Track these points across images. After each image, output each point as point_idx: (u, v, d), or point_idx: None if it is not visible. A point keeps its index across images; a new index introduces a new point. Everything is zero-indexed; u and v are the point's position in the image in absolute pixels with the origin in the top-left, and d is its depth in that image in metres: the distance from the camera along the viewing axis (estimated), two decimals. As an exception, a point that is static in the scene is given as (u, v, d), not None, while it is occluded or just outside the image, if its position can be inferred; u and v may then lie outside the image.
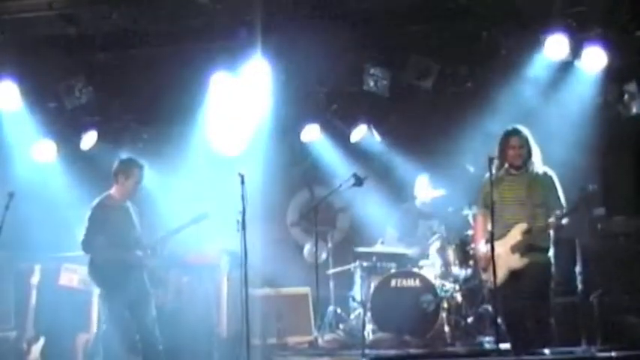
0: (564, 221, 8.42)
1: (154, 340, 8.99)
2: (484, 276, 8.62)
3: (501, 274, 8.37)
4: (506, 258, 8.43)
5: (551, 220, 8.39)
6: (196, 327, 10.37)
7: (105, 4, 10.35)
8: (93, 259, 9.03)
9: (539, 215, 8.46)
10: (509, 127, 8.70)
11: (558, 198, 8.49)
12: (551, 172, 8.61)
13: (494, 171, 8.55)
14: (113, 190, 9.18)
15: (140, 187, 9.23)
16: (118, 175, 9.16)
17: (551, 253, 8.53)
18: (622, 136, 11.26)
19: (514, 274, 8.44)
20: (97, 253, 8.97)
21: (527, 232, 8.40)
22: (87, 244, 8.97)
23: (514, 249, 8.42)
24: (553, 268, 8.60)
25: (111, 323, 9.02)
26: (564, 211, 8.40)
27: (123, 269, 8.92)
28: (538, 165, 8.59)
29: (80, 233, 8.98)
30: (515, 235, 8.44)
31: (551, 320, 8.51)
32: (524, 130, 8.64)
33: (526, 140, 8.58)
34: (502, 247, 8.43)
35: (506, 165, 8.59)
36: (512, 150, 8.55)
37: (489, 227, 8.44)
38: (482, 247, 8.70)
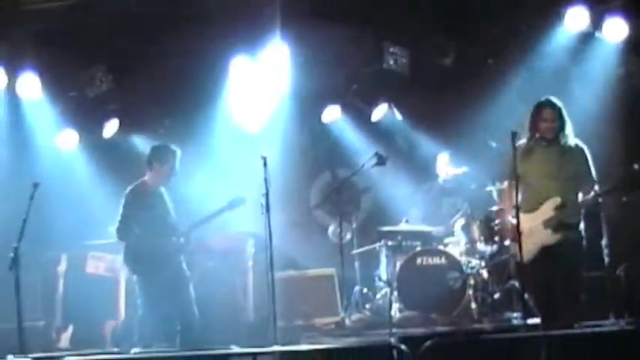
0: (599, 199, 8.31)
1: (193, 323, 9.01)
2: (514, 249, 8.42)
3: (533, 248, 8.24)
4: (538, 233, 8.26)
5: (589, 196, 8.20)
6: (223, 311, 10.40)
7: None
8: (128, 246, 9.02)
9: (569, 189, 8.26)
10: (542, 99, 8.44)
11: (590, 172, 8.29)
12: (583, 145, 8.37)
13: (523, 141, 8.37)
14: (147, 177, 9.16)
15: (174, 173, 9.20)
16: (153, 161, 9.13)
17: (582, 227, 8.36)
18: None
19: (546, 249, 8.26)
20: (132, 240, 8.96)
21: (560, 207, 8.21)
22: (122, 232, 8.97)
23: (546, 224, 8.24)
24: (585, 243, 8.46)
25: (148, 309, 9.01)
26: (596, 187, 8.21)
27: (159, 256, 8.92)
28: (570, 137, 8.35)
29: (115, 220, 9.00)
30: (548, 209, 8.25)
31: (582, 296, 8.40)
32: (558, 103, 8.38)
33: (559, 113, 8.33)
34: (533, 221, 8.26)
35: (537, 136, 8.38)
36: (545, 123, 8.32)
37: (519, 199, 8.28)
38: (513, 220, 8.38)
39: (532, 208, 8.31)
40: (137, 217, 8.93)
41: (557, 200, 8.21)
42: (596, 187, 8.27)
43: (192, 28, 10.89)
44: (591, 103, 10.55)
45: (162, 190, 9.20)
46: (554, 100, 8.42)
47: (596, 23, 10.48)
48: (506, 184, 8.80)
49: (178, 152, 9.19)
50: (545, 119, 8.33)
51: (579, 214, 8.35)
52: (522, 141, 8.42)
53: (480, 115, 11.20)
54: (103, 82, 11.21)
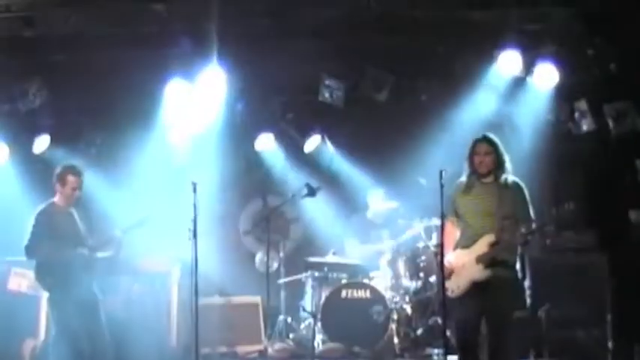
0: (530, 237, 8.26)
1: (105, 346, 8.96)
2: (447, 284, 8.25)
3: (464, 284, 8.20)
4: (470, 268, 8.18)
5: (521, 233, 8.15)
6: (146, 335, 10.29)
7: (62, 7, 10.29)
8: (39, 262, 9.01)
9: (506, 227, 8.16)
10: (479, 135, 8.42)
11: (528, 211, 8.24)
12: (521, 184, 8.34)
13: (463, 178, 8.38)
14: (56, 198, 9.19)
15: (77, 193, 9.17)
16: (56, 183, 9.17)
17: (517, 267, 8.29)
18: (572, 153, 11.40)
19: (476, 286, 8.18)
20: (42, 256, 8.94)
21: (494, 245, 8.13)
22: (31, 249, 8.93)
23: (479, 260, 8.15)
24: (518, 283, 8.50)
25: (59, 328, 8.96)
26: (533, 226, 8.22)
27: (69, 270, 8.88)
28: (509, 175, 8.31)
29: (24, 239, 8.95)
30: (482, 246, 8.16)
31: (507, 337, 8.20)
32: (493, 138, 8.34)
33: (493, 148, 8.28)
34: (467, 256, 8.20)
35: (476, 173, 8.32)
36: (478, 156, 8.27)
37: (458, 235, 8.34)
38: (448, 256, 8.37)
39: (468, 244, 8.27)
40: (47, 236, 8.93)
41: (491, 238, 8.15)
42: (533, 226, 8.24)
43: (130, 49, 10.84)
44: (521, 146, 10.70)
45: (72, 210, 9.22)
46: (491, 135, 8.41)
47: (528, 68, 10.68)
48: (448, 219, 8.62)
49: (81, 172, 9.19)
50: (478, 153, 8.29)
51: (515, 253, 8.27)
52: (462, 178, 8.42)
53: (412, 151, 11.32)
54: (37, 97, 11.09)
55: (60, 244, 8.94)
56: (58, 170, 9.23)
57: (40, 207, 9.14)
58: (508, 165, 8.34)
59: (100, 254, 9.13)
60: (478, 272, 8.19)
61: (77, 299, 8.87)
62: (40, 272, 9.04)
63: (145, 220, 9.17)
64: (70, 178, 9.12)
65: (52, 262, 8.90)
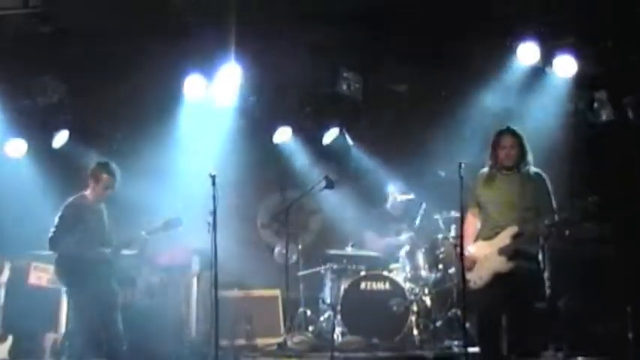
0: (553, 229, 8.26)
1: (119, 339, 8.99)
2: (468, 276, 8.25)
3: (486, 275, 8.18)
4: (493, 260, 8.16)
5: (544, 225, 8.13)
6: (165, 327, 10.34)
7: (80, 3, 10.32)
8: (60, 256, 9.04)
9: (528, 219, 8.16)
10: (503, 127, 8.41)
11: (550, 202, 8.22)
12: (544, 175, 8.31)
13: (485, 170, 8.36)
14: (87, 192, 9.22)
15: (110, 192, 9.20)
16: (90, 178, 9.20)
17: (539, 258, 8.28)
18: (591, 143, 11.37)
19: (498, 277, 8.15)
20: (63, 250, 8.97)
21: (517, 236, 8.11)
22: (54, 242, 8.98)
23: (501, 252, 8.13)
24: (540, 275, 8.49)
25: (76, 321, 9.01)
26: (556, 218, 8.16)
27: (88, 266, 8.92)
28: (531, 167, 8.30)
29: (49, 231, 8.98)
30: (505, 237, 8.14)
31: (528, 329, 8.19)
32: (517, 131, 8.33)
33: (518, 140, 8.28)
34: (489, 248, 8.19)
35: (498, 164, 8.32)
36: (503, 150, 8.26)
37: (479, 226, 8.33)
38: (470, 247, 8.34)
39: (490, 236, 8.25)
40: (72, 229, 8.97)
41: (515, 229, 8.13)
42: (556, 218, 8.19)
43: (148, 45, 10.87)
44: (540, 136, 10.65)
45: (102, 206, 9.26)
46: (515, 128, 8.38)
47: (547, 59, 10.66)
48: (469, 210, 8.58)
49: (116, 172, 9.21)
50: (504, 146, 8.28)
51: (537, 244, 8.27)
52: (484, 169, 8.41)
53: (431, 143, 11.31)
54: (55, 93, 11.13)
55: (83, 239, 8.96)
56: (92, 166, 9.28)
57: (70, 199, 9.18)
58: (530, 157, 8.32)
59: (124, 251, 9.16)
60: (501, 264, 8.18)
61: (95, 294, 8.91)
62: (60, 266, 9.08)
63: (172, 222, 9.16)
64: (104, 177, 9.15)
65: (73, 257, 8.94)
